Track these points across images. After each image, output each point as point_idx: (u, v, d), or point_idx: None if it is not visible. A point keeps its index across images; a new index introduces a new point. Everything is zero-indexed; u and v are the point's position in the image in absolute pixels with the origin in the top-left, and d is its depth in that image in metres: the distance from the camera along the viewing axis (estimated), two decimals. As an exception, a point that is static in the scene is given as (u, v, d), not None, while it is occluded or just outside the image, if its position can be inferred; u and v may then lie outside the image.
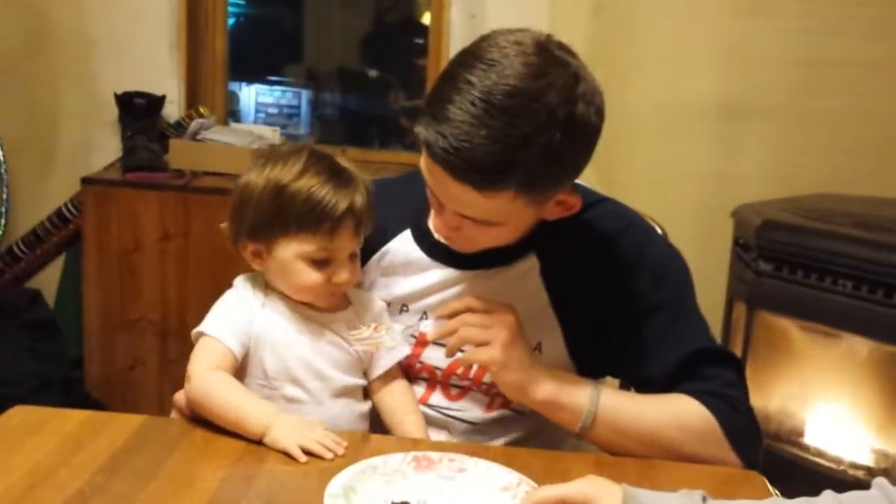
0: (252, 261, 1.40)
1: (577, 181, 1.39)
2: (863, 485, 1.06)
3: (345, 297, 1.43)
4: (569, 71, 1.21)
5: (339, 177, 1.36)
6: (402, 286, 1.46)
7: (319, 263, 1.36)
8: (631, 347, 1.40)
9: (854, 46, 3.03)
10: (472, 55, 1.22)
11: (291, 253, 1.35)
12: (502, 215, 1.25)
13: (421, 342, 1.43)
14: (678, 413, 1.34)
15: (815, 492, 1.06)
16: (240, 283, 1.43)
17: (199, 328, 1.36)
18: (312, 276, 1.36)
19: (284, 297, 1.40)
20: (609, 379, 1.52)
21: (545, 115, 1.17)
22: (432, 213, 1.42)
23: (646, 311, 1.39)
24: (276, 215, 1.35)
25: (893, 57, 3.04)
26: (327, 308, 1.41)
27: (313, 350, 1.39)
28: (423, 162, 1.26)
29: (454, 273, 1.42)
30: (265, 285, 1.41)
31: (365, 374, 1.44)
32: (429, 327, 1.29)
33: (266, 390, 1.37)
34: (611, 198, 1.48)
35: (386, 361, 1.43)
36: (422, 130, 1.22)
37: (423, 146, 1.23)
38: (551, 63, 1.20)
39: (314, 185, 1.34)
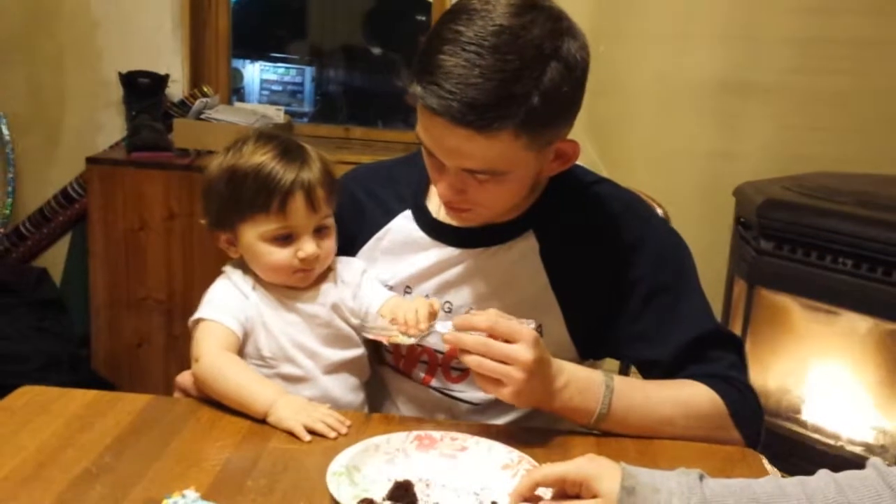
0: (228, 249, 1.43)
1: (575, 162, 1.40)
2: (860, 462, 1.07)
3: (327, 271, 1.44)
4: (551, 11, 1.25)
5: (287, 153, 1.38)
6: (405, 267, 1.46)
7: (282, 241, 1.37)
8: (633, 331, 1.41)
9: (856, 24, 3.02)
10: (454, 12, 1.25)
11: (253, 236, 1.37)
12: (505, 161, 1.26)
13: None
14: (687, 402, 1.34)
15: (812, 468, 1.06)
16: (229, 269, 1.44)
17: (198, 315, 1.38)
18: (278, 255, 1.37)
19: None
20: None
21: (533, 48, 1.20)
22: (432, 190, 1.42)
23: (647, 294, 1.39)
24: (232, 200, 1.37)
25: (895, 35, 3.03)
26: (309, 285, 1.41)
27: (303, 328, 1.40)
28: (421, 123, 1.27)
29: (455, 252, 1.43)
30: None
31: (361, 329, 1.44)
32: (447, 328, 1.28)
33: (264, 370, 1.38)
34: (608, 178, 1.49)
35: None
36: (416, 87, 1.23)
37: (419, 102, 1.24)
38: (532, 4, 1.24)
39: (261, 163, 1.36)
